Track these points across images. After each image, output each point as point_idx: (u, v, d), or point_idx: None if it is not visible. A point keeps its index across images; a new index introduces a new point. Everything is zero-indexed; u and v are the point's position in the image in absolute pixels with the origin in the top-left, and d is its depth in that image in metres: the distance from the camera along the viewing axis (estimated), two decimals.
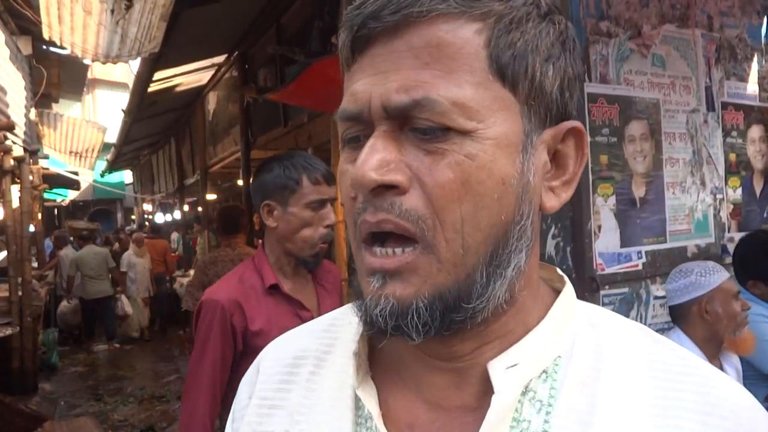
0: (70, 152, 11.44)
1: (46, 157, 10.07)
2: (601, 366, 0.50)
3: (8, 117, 5.97)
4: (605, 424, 0.47)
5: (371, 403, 0.52)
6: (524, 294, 0.51)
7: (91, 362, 7.87)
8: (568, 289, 0.55)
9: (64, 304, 8.72)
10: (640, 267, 2.17)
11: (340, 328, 0.60)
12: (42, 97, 8.63)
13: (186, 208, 11.85)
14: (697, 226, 2.41)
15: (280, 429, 0.56)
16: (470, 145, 0.45)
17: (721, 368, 1.89)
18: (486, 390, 0.49)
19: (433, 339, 0.49)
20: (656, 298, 2.20)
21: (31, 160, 7.62)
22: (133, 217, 17.31)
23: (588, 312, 0.55)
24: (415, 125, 0.46)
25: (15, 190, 6.73)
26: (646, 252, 2.20)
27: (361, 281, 0.49)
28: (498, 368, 0.49)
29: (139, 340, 8.83)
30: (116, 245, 10.34)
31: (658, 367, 0.50)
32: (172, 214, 13.97)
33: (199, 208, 10.35)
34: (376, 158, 0.46)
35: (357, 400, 0.53)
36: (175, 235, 12.84)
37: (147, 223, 13.81)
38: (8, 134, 5.89)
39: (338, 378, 0.56)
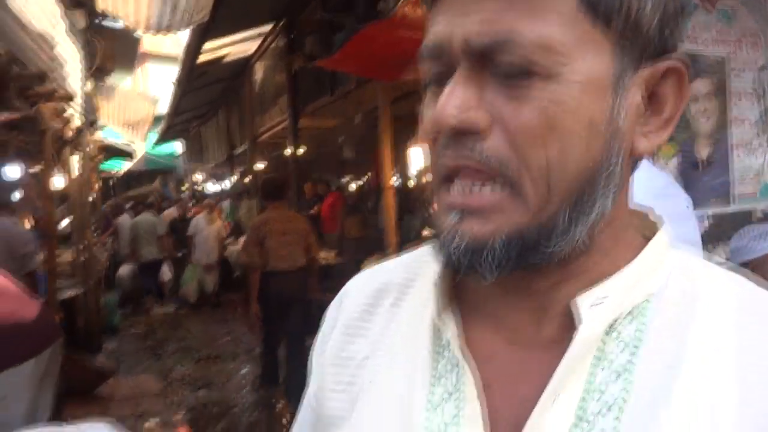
0: (124, 124, 11.80)
1: (102, 128, 10.40)
2: (692, 311, 0.48)
3: (66, 89, 6.18)
4: (691, 370, 0.45)
5: (450, 333, 0.52)
6: (604, 236, 0.49)
7: (150, 324, 8.24)
8: (662, 234, 0.53)
9: (122, 268, 9.08)
10: (705, 230, 2.11)
11: (423, 263, 0.60)
12: (96, 70, 8.87)
13: (235, 177, 12.09)
14: (764, 189, 2.31)
15: (361, 356, 0.58)
16: (555, 89, 0.43)
17: None
18: (567, 328, 0.48)
19: (509, 276, 0.48)
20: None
21: (89, 131, 7.91)
22: (184, 187, 17.79)
23: (683, 258, 0.53)
24: (498, 67, 0.44)
25: (75, 160, 7.01)
26: (709, 215, 2.14)
27: (440, 218, 0.48)
28: (583, 304, 0.47)
29: (198, 305, 8.82)
30: (176, 214, 10.44)
31: (748, 317, 0.47)
32: (221, 184, 14.29)
33: (246, 179, 10.50)
34: (457, 99, 0.44)
35: (436, 329, 0.53)
36: (225, 204, 13.16)
37: (198, 193, 14.19)
38: (67, 105, 6.10)
39: (419, 308, 0.56)
